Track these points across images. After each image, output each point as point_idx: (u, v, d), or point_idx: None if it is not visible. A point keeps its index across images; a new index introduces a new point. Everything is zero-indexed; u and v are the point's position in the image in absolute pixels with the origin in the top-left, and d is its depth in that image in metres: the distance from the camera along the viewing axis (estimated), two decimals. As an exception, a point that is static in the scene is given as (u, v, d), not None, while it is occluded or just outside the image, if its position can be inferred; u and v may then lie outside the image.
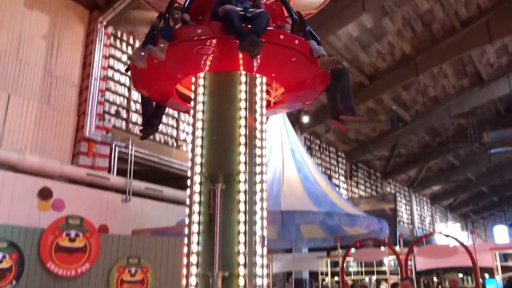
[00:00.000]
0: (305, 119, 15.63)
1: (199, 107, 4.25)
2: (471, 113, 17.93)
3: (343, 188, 19.30)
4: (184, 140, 12.12)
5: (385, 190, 22.62)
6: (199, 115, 4.21)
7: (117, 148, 10.01)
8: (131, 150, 10.17)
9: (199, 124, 4.18)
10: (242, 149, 4.06)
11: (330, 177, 18.17)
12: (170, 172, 11.33)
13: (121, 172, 9.94)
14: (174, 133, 12.00)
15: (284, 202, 7.98)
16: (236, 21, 3.96)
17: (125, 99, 10.94)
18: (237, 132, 4.14)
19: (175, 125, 12.06)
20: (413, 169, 23.51)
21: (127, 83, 10.99)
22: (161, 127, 11.59)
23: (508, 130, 16.90)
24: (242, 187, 3.97)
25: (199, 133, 4.15)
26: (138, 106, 11.16)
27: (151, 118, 4.97)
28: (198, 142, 4.13)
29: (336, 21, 11.88)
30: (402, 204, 23.73)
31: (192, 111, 4.35)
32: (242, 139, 4.10)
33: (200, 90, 4.32)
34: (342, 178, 19.51)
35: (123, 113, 10.81)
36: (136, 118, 11.04)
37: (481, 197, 30.33)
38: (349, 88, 4.78)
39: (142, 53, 3.84)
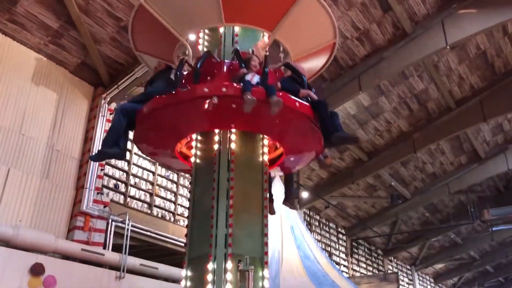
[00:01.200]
0: (304, 194, 15.55)
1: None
2: (471, 190, 17.91)
3: (344, 265, 18.77)
4: (182, 215, 11.97)
5: (386, 269, 21.98)
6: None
7: (113, 223, 9.85)
8: (128, 225, 10.00)
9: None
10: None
11: (330, 254, 17.73)
12: (166, 248, 11.06)
13: (116, 248, 9.71)
14: (172, 207, 11.88)
15: (283, 283, 7.71)
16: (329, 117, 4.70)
17: (124, 173, 10.94)
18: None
19: (173, 199, 11.97)
20: (415, 246, 23.00)
21: (127, 157, 11.06)
22: (159, 201, 11.52)
23: (509, 207, 16.77)
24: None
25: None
26: (137, 180, 11.16)
27: (119, 139, 4.82)
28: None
29: (334, 99, 12.19)
30: (404, 283, 22.95)
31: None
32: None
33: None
34: (342, 255, 19.03)
35: (122, 187, 10.78)
36: (135, 192, 11.00)
37: (486, 276, 29.37)
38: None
39: (250, 97, 4.18)
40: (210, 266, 4.09)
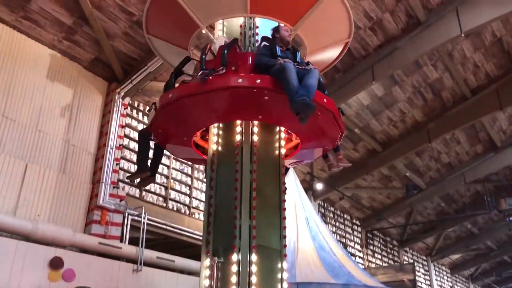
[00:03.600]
0: (319, 186, 15.53)
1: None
2: (487, 179, 17.68)
3: (359, 257, 18.74)
4: (197, 208, 12.06)
5: (402, 259, 21.89)
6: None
7: (129, 216, 9.96)
8: (144, 218, 10.10)
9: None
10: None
11: (345, 246, 17.71)
12: (182, 240, 11.16)
13: (133, 241, 9.82)
14: (187, 200, 11.97)
15: (299, 273, 7.74)
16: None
17: (140, 167, 11.03)
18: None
19: (188, 192, 12.06)
20: (431, 237, 22.86)
21: (142, 152, 11.15)
22: (174, 194, 11.62)
23: (526, 197, 16.56)
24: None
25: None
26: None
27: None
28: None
29: (347, 90, 12.12)
30: (420, 274, 22.83)
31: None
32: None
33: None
34: (357, 247, 18.99)
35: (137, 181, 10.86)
36: (150, 186, 11.08)
37: (504, 267, 29.06)
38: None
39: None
40: (235, 257, 4.11)
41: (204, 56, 4.54)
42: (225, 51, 4.50)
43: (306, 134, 4.96)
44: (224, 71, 4.33)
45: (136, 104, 11.42)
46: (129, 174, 5.12)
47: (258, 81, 4.25)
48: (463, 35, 10.24)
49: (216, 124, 4.88)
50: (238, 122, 4.74)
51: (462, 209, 19.94)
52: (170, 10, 5.04)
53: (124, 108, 10.85)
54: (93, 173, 10.05)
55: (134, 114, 11.33)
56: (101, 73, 10.80)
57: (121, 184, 10.33)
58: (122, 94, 10.73)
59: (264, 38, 4.93)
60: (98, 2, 9.38)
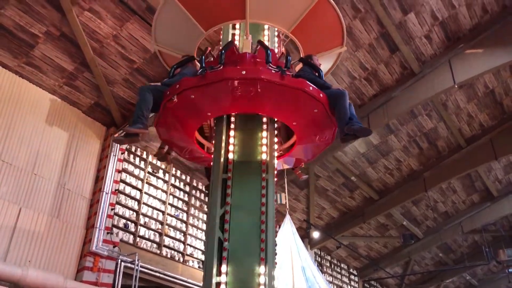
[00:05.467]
0: (315, 234, 15.36)
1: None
2: (485, 229, 17.55)
3: (356, 308, 18.28)
4: (191, 255, 11.85)
5: (400, 311, 21.32)
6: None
7: (122, 263, 9.76)
8: (137, 265, 9.90)
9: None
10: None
11: (342, 296, 17.30)
12: (175, 289, 10.90)
13: (125, 289, 9.59)
14: (181, 247, 11.77)
15: (295, 324, 7.51)
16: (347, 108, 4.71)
17: (134, 213, 10.94)
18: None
19: (182, 239, 11.88)
20: (429, 287, 22.41)
21: (137, 196, 11.09)
22: (168, 241, 11.43)
23: (525, 248, 16.39)
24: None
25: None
26: (147, 220, 11.13)
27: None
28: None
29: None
30: (419, 327, 22.17)
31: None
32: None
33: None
34: (355, 297, 18.55)
35: (131, 227, 10.75)
36: (144, 232, 10.94)
37: (504, 319, 28.32)
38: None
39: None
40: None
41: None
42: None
43: (304, 129, 5.10)
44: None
45: (133, 149, 11.45)
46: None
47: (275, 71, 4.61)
48: (456, 86, 10.49)
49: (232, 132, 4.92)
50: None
51: (461, 259, 19.66)
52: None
53: (122, 153, 10.88)
54: (87, 218, 9.94)
55: (131, 159, 11.34)
56: (100, 118, 10.90)
57: (115, 230, 10.19)
58: (120, 139, 10.76)
59: (302, 61, 5.47)
60: (100, 49, 9.61)
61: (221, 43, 5.65)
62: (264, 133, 4.86)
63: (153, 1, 8.75)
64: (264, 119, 4.95)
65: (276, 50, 5.55)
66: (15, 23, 8.83)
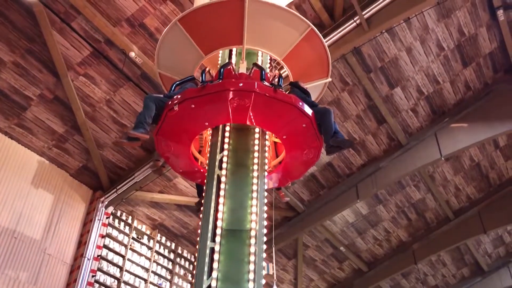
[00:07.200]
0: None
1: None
2: (476, 305, 17.08)
3: None
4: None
5: None
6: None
7: (100, 335, 9.25)
8: (115, 338, 9.37)
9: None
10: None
11: None
12: None
13: None
14: (163, 319, 11.23)
15: None
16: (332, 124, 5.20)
17: (116, 280, 10.51)
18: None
19: (164, 309, 11.36)
20: None
21: (120, 263, 10.71)
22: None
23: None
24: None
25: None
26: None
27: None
28: None
29: (332, 207, 12.19)
30: None
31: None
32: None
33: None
34: None
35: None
36: (125, 301, 10.46)
37: None
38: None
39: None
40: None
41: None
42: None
43: (292, 143, 5.40)
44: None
45: (118, 213, 11.22)
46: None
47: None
48: (443, 158, 10.65)
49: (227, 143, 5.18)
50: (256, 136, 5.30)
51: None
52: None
53: (107, 217, 10.66)
54: (66, 286, 9.52)
55: (116, 224, 11.08)
56: (87, 181, 10.78)
57: (94, 298, 9.74)
58: (106, 202, 10.62)
59: (292, 84, 5.91)
60: (92, 113, 9.69)
61: (218, 66, 6.10)
62: (254, 201, 4.80)
63: (147, 69, 8.98)
64: (255, 180, 4.96)
65: (268, 75, 5.95)
66: (10, 86, 8.95)
